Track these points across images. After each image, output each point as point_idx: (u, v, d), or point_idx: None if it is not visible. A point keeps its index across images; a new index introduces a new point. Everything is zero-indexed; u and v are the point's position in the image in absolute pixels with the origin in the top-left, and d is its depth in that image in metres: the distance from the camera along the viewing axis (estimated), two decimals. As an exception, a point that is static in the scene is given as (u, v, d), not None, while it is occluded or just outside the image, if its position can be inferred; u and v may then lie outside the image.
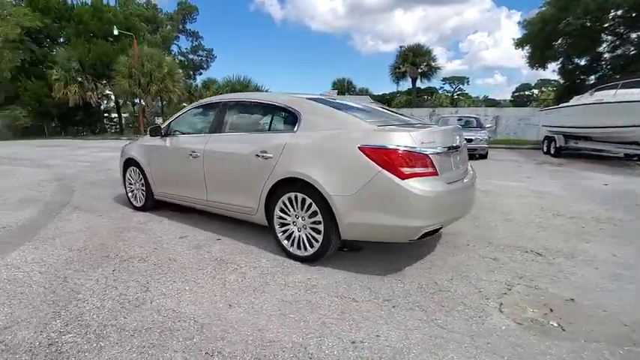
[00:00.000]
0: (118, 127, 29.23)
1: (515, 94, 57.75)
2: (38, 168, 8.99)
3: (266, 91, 28.85)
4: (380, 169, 2.47)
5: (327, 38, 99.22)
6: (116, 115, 29.93)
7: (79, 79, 23.99)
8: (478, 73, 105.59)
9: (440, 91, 55.66)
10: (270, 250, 3.21)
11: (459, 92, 58.73)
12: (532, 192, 5.88)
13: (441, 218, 2.61)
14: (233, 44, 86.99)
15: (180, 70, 28.21)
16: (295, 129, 2.98)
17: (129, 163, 4.69)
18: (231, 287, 2.54)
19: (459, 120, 12.77)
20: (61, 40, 25.42)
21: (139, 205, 4.66)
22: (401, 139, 2.51)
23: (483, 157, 10.78)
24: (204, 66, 44.50)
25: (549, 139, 12.15)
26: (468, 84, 59.93)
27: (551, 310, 2.26)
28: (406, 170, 2.46)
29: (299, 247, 2.95)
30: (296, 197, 2.88)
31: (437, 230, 2.65)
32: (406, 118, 3.45)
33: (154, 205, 4.53)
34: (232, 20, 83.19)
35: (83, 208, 4.84)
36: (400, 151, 2.46)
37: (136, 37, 24.92)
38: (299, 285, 2.57)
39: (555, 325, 2.11)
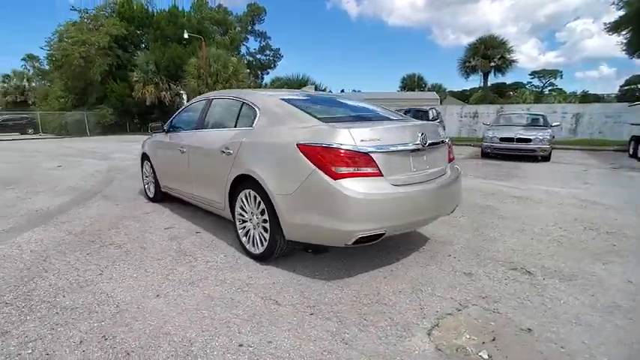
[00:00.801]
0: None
1: (625, 87, 49.97)
2: (100, 160, 10.29)
3: (324, 89, 29.24)
4: (314, 167, 2.37)
5: (404, 33, 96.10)
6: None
7: (155, 80, 26.76)
8: (578, 66, 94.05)
9: (527, 86, 50.86)
10: (237, 246, 3.27)
11: (549, 87, 53.01)
12: (579, 201, 5.09)
13: (382, 223, 2.41)
14: (303, 43, 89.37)
15: (248, 70, 29.93)
16: (253, 125, 3.00)
17: (144, 157, 5.14)
18: (172, 278, 2.66)
19: (517, 117, 11.58)
20: (142, 45, 28.60)
21: (151, 196, 5.09)
22: (339, 137, 2.37)
23: (545, 159, 9.59)
24: (272, 65, 46.62)
25: (637, 140, 10.35)
26: (562, 78, 53.84)
27: (493, 340, 1.96)
28: (340, 169, 2.32)
29: (254, 245, 2.97)
30: (250, 194, 2.90)
31: (379, 236, 2.45)
32: (386, 115, 3.24)
33: (162, 197, 4.91)
34: (304, 19, 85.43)
35: (109, 197, 5.43)
36: (334, 149, 2.33)
37: (205, 40, 27.05)
38: (236, 283, 2.59)
39: (485, 357, 1.82)
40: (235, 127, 3.27)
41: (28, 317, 2.15)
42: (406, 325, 2.07)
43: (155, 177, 4.84)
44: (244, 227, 3.07)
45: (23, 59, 37.39)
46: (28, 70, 37.75)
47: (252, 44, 53.19)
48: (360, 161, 2.35)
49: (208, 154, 3.42)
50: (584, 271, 2.78)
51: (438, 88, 46.76)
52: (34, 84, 34.42)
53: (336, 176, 2.31)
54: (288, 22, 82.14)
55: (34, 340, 1.93)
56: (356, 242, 2.38)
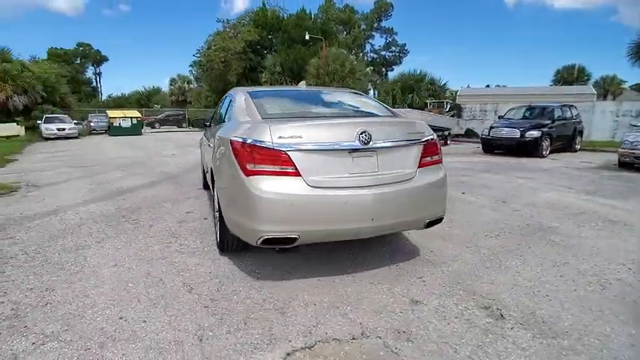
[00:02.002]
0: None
1: None
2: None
3: (442, 85, 27.32)
4: (236, 163, 2.41)
5: (574, 17, 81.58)
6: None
7: (280, 80, 29.65)
8: None
9: None
10: (221, 235, 3.53)
11: None
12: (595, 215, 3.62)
13: (294, 227, 2.28)
14: (435, 37, 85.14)
15: (371, 68, 30.29)
16: (226, 120, 3.19)
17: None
18: (141, 254, 3.07)
19: None
20: (272, 48, 32.15)
21: (202, 184, 5.82)
22: (257, 133, 2.36)
23: None
24: (397, 62, 46.07)
25: None
26: None
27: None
28: (251, 166, 2.30)
29: (216, 236, 3.16)
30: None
31: (292, 240, 2.31)
32: (352, 113, 3.10)
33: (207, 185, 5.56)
34: (436, 10, 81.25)
35: (177, 182, 6.43)
36: (250, 145, 2.33)
37: (327, 40, 28.60)
38: (181, 266, 2.84)
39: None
40: (224, 122, 3.51)
41: (26, 263, 2.85)
42: (275, 339, 1.94)
43: (203, 168, 5.52)
44: (215, 218, 3.30)
45: (190, 65, 46.36)
46: (193, 74, 46.49)
47: (378, 41, 53.38)
48: (276, 159, 2.28)
49: (209, 149, 3.77)
50: (587, 331, 2.05)
51: (609, 82, 38.31)
52: (192, 86, 42.23)
53: (248, 173, 2.31)
54: (419, 16, 79.33)
55: (20, 275, 2.56)
56: (265, 243, 2.33)
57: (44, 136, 18.21)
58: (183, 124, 34.92)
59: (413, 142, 2.59)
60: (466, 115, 18.89)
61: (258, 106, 2.85)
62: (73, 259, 2.97)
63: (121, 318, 2.12)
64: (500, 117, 12.36)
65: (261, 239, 2.31)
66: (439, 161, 2.79)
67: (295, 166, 2.28)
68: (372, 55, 42.62)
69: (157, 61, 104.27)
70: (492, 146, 11.13)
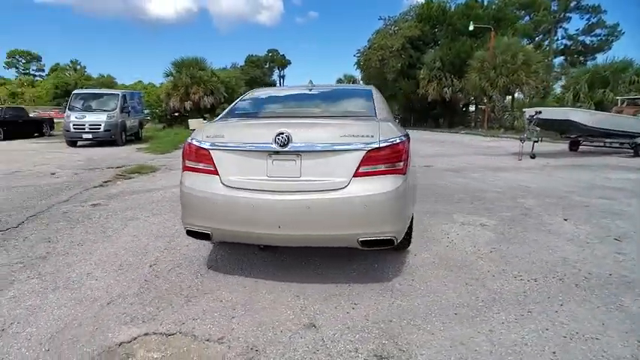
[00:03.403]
0: (479, 121, 31.58)
1: None
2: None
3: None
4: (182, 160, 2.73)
5: None
6: (474, 109, 32.31)
7: (439, 76, 28.13)
8: None
9: None
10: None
11: None
12: None
13: (206, 223, 2.43)
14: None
15: (562, 57, 25.21)
16: None
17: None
18: (160, 231, 3.76)
19: None
20: (433, 43, 30.61)
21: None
22: (197, 132, 2.61)
23: None
24: (604, 47, 36.85)
25: None
26: None
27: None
28: (185, 162, 2.58)
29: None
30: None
31: (205, 236, 2.46)
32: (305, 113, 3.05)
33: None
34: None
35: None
36: (187, 143, 2.59)
37: (499, 29, 25.38)
38: (157, 248, 3.37)
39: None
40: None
41: (90, 224, 3.94)
42: (154, 319, 2.18)
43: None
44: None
45: (354, 65, 49.41)
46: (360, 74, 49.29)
47: (575, 24, 43.51)
48: (201, 157, 2.48)
49: None
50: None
51: None
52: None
53: (183, 168, 2.61)
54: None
55: (74, 231, 3.63)
56: (190, 234, 2.56)
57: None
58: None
59: (350, 147, 2.31)
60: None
61: (234, 106, 3.12)
62: (118, 226, 3.91)
63: (89, 274, 2.78)
64: None
65: (186, 230, 2.57)
66: (395, 171, 2.36)
67: (214, 164, 2.43)
68: (564, 41, 35.35)
69: (330, 62, 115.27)
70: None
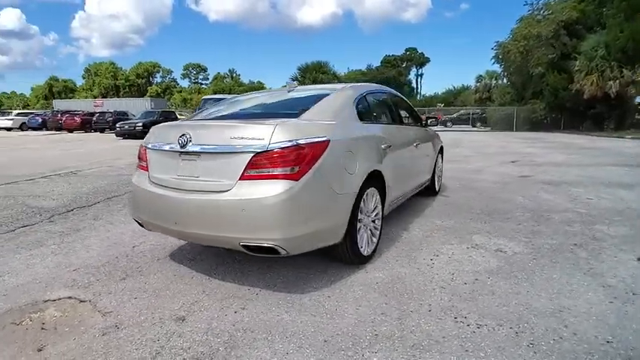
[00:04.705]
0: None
1: None
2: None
3: None
4: None
5: None
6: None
7: (602, 67, 22.93)
8: None
9: None
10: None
11: None
12: None
13: (137, 213, 2.88)
14: None
15: None
16: None
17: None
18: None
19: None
20: (598, 27, 24.70)
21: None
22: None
23: None
24: None
25: None
26: None
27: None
28: (139, 161, 3.04)
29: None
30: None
31: (140, 224, 2.88)
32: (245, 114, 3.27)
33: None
34: None
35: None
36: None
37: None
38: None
39: None
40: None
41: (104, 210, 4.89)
42: (94, 304, 2.70)
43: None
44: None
45: (491, 59, 43.89)
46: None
47: None
48: (142, 155, 2.94)
49: None
50: None
51: None
52: (499, 82, 39.94)
53: (137, 166, 3.08)
54: None
55: (75, 218, 4.60)
56: (135, 221, 3.03)
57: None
58: (477, 124, 34.30)
59: (238, 150, 2.37)
60: None
61: (205, 111, 3.53)
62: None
63: (88, 246, 3.54)
64: None
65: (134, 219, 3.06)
66: (285, 177, 2.31)
67: (147, 162, 2.85)
68: None
69: (478, 56, 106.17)
70: None
